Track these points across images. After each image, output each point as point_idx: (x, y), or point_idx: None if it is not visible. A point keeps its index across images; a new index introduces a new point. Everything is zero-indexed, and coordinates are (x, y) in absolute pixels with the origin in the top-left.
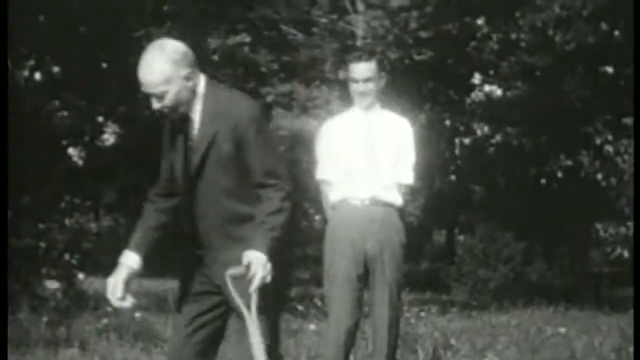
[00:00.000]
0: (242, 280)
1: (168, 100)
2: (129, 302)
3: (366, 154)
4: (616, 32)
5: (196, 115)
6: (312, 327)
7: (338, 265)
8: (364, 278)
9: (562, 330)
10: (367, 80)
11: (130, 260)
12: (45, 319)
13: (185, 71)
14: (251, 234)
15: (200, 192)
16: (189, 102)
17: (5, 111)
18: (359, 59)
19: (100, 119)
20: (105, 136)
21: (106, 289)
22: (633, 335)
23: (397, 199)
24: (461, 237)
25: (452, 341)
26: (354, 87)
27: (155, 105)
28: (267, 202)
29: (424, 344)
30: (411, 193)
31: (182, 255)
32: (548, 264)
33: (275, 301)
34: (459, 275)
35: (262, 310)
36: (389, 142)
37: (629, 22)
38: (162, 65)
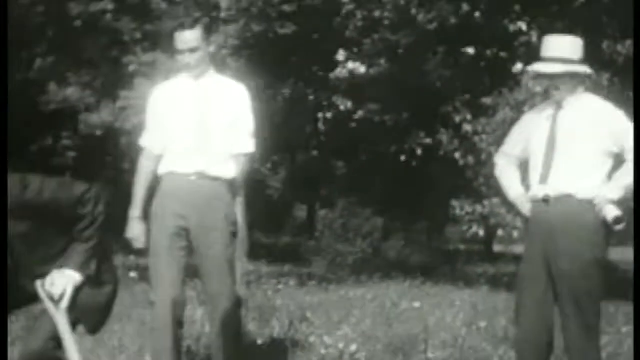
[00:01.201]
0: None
1: None
2: None
3: (196, 124)
4: (477, 14)
5: None
6: None
7: (161, 241)
8: (188, 250)
9: (417, 304)
10: (192, 50)
11: None
12: None
13: None
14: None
15: None
16: None
17: (5, 111)
18: (183, 27)
19: None
20: None
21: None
22: (633, 334)
23: (228, 172)
24: (322, 212)
25: (308, 314)
26: (180, 59)
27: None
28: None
29: (281, 317)
30: (272, 166)
31: None
32: (406, 240)
33: None
34: (318, 249)
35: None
36: (223, 110)
37: (491, 4)
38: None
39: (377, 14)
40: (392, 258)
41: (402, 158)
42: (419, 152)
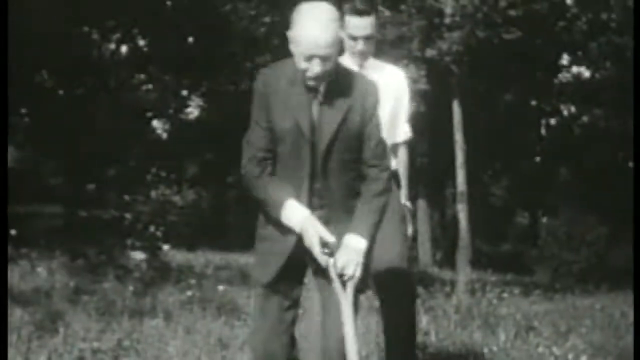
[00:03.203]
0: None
1: (329, 65)
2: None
3: None
4: None
5: (321, 87)
6: None
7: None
8: None
9: None
10: (368, 37)
11: (303, 209)
12: (130, 288)
13: (340, 36)
14: (358, 212)
15: (326, 165)
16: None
17: (6, 111)
18: (360, 13)
19: (185, 92)
20: (189, 110)
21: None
22: (633, 333)
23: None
24: (545, 220)
25: (535, 323)
26: (352, 44)
27: (317, 69)
28: (374, 182)
29: (506, 326)
30: (494, 173)
31: (277, 228)
32: (633, 248)
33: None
34: (541, 257)
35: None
36: (385, 99)
37: None
38: (335, 26)
39: (603, 16)
40: (619, 267)
41: (630, 164)
42: None
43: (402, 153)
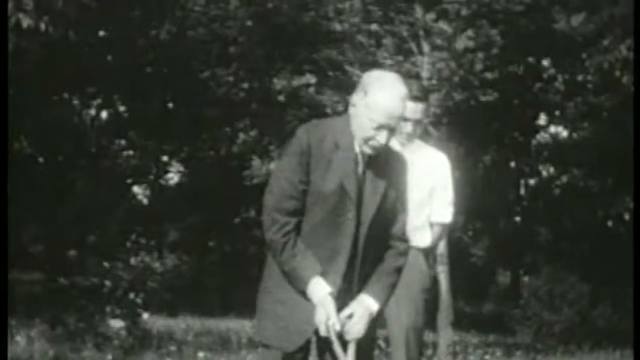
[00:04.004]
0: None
1: (393, 137)
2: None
3: None
4: None
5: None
6: None
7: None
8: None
9: None
10: (417, 121)
11: (325, 287)
12: (109, 357)
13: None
14: (377, 277)
15: (365, 235)
16: None
17: (6, 115)
18: (415, 98)
19: (165, 158)
20: (170, 175)
21: (323, 328)
22: (633, 332)
23: (423, 240)
24: (526, 279)
25: None
26: (401, 125)
27: (383, 139)
28: (399, 256)
29: None
30: (474, 234)
31: (300, 295)
32: (614, 307)
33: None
34: (523, 317)
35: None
36: (424, 179)
37: None
38: (405, 100)
39: (579, 77)
40: (601, 326)
41: (609, 223)
42: (627, 216)
43: (441, 233)
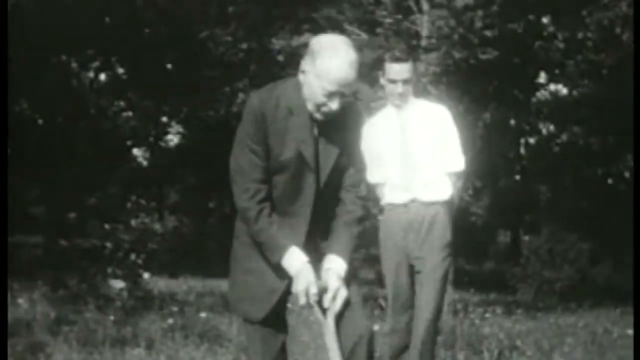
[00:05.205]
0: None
1: (344, 102)
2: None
3: (402, 157)
4: None
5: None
6: (376, 327)
7: (388, 272)
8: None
9: (630, 332)
10: (406, 81)
11: (302, 257)
12: (111, 318)
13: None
14: (339, 235)
15: (323, 194)
16: None
17: (6, 112)
18: (398, 59)
19: (165, 119)
20: (169, 137)
21: (304, 297)
22: (633, 335)
23: (443, 193)
24: (526, 238)
25: (518, 342)
26: (391, 88)
27: (335, 106)
28: (353, 207)
29: (489, 346)
30: (475, 193)
31: (268, 265)
32: (615, 266)
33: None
34: (524, 276)
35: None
36: (427, 134)
37: None
38: (357, 64)
39: (580, 35)
40: (601, 284)
41: (609, 181)
42: (627, 174)
43: (455, 182)
